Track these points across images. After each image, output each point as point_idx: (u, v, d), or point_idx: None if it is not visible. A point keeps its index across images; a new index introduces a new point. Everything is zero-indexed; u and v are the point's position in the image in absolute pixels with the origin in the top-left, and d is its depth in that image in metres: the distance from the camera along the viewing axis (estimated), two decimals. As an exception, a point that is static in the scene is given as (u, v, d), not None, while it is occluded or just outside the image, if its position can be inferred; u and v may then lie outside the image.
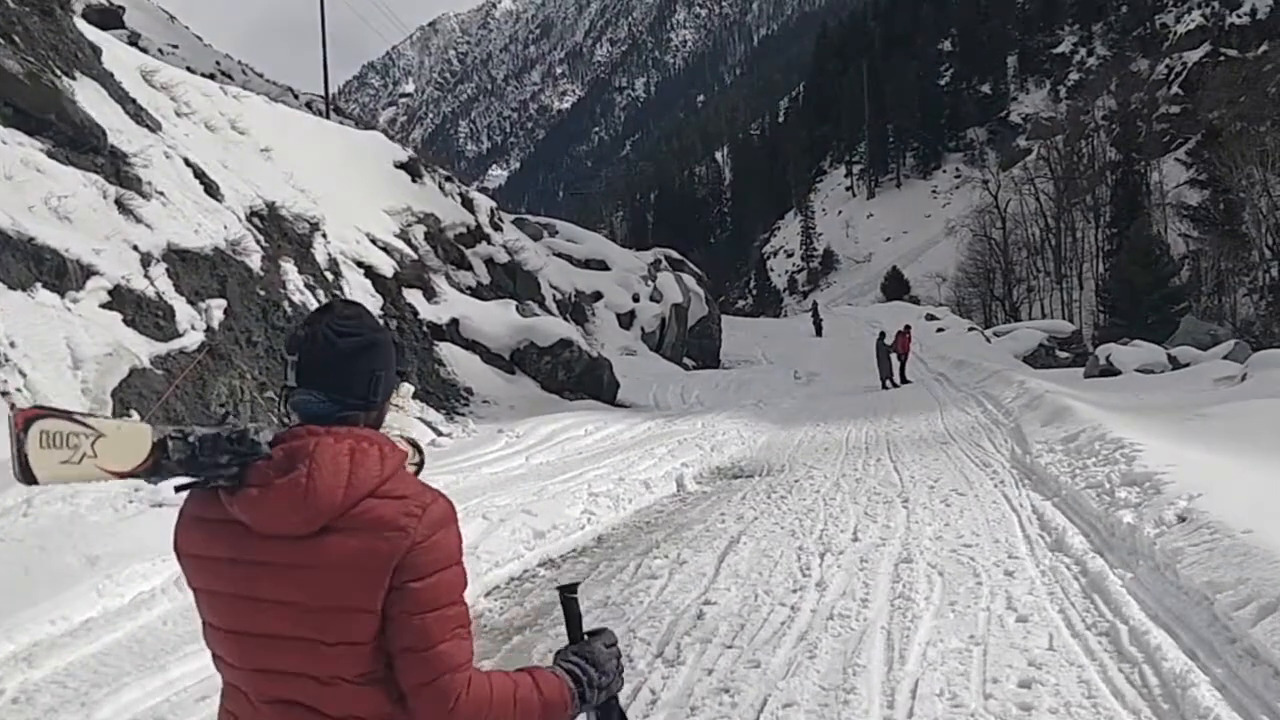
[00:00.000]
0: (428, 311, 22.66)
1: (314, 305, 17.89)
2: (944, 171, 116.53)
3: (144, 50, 30.86)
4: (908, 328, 31.94)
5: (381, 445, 2.00)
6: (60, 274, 12.20)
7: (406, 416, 16.96)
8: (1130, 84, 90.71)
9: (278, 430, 2.02)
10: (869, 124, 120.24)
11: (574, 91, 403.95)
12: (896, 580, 7.63)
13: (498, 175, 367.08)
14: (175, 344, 13.04)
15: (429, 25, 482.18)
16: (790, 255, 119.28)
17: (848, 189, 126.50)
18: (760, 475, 14.09)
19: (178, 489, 1.98)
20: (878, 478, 13.00)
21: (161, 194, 15.62)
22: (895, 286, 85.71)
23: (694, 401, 25.60)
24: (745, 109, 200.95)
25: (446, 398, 20.78)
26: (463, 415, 19.93)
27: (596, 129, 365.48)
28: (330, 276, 19.77)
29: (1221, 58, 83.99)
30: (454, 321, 23.25)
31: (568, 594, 2.29)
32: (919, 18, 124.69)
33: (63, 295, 12.08)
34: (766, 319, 72.26)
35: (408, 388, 18.14)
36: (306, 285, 18.34)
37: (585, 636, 2.22)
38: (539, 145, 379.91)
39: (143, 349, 12.45)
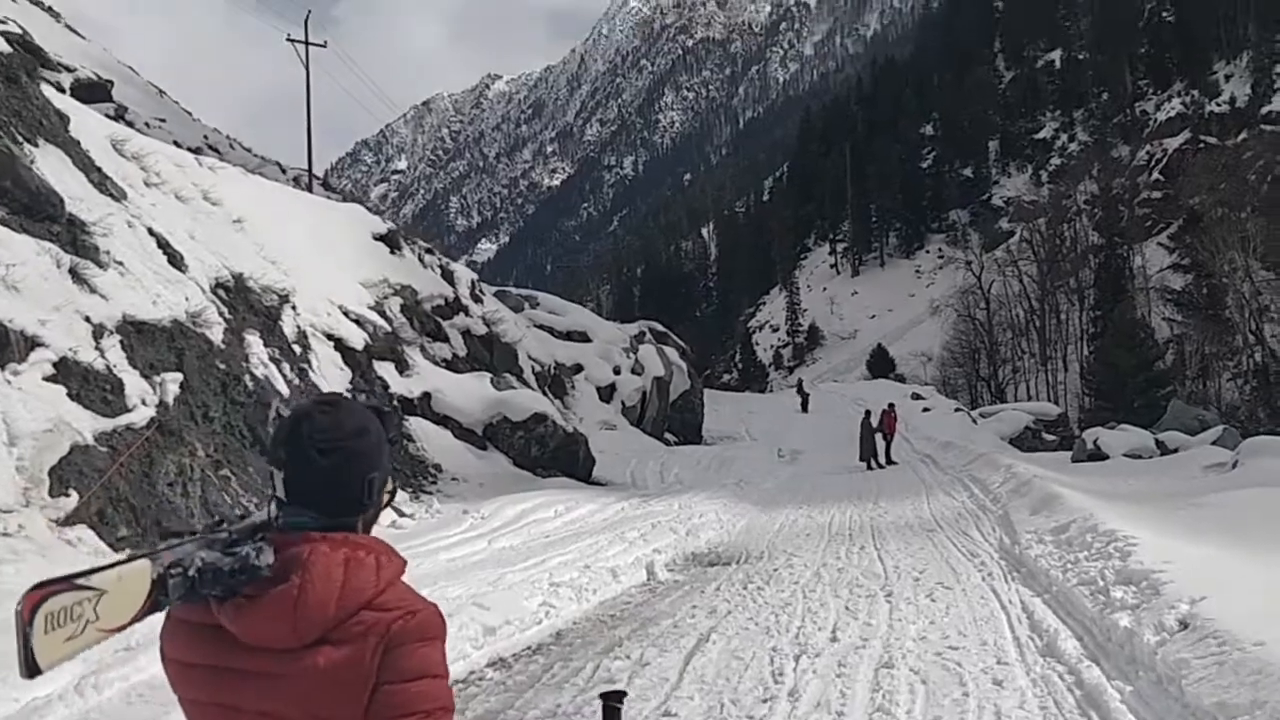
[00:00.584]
0: (399, 385, 22.07)
1: (278, 379, 17.36)
2: (927, 251, 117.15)
3: (130, 124, 30.53)
4: (892, 406, 31.43)
5: (378, 555, 1.94)
6: (2, 345, 11.61)
7: (370, 496, 16.27)
8: (1112, 169, 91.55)
9: (274, 538, 1.92)
10: (852, 203, 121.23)
11: (564, 169, 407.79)
12: (876, 689, 6.99)
13: (487, 249, 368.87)
14: (123, 419, 12.41)
15: (423, 104, 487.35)
16: (776, 330, 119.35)
17: (832, 266, 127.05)
18: (738, 563, 13.45)
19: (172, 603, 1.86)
20: (860, 567, 12.38)
21: (120, 264, 15.08)
22: (880, 364, 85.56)
23: (673, 480, 24.94)
24: (731, 187, 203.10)
25: (414, 475, 20.10)
26: (429, 494, 19.24)
27: (585, 205, 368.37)
28: (298, 349, 19.19)
29: (1201, 144, 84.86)
30: (426, 395, 22.65)
31: (612, 703, 2.21)
32: (901, 102, 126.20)
33: (2, 368, 11.47)
34: (751, 394, 71.77)
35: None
36: (272, 358, 17.76)
37: None
38: (528, 220, 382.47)
39: (87, 425, 11.82)
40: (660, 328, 46.34)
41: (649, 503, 18.90)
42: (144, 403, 13.09)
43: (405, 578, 2.01)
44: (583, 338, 38.52)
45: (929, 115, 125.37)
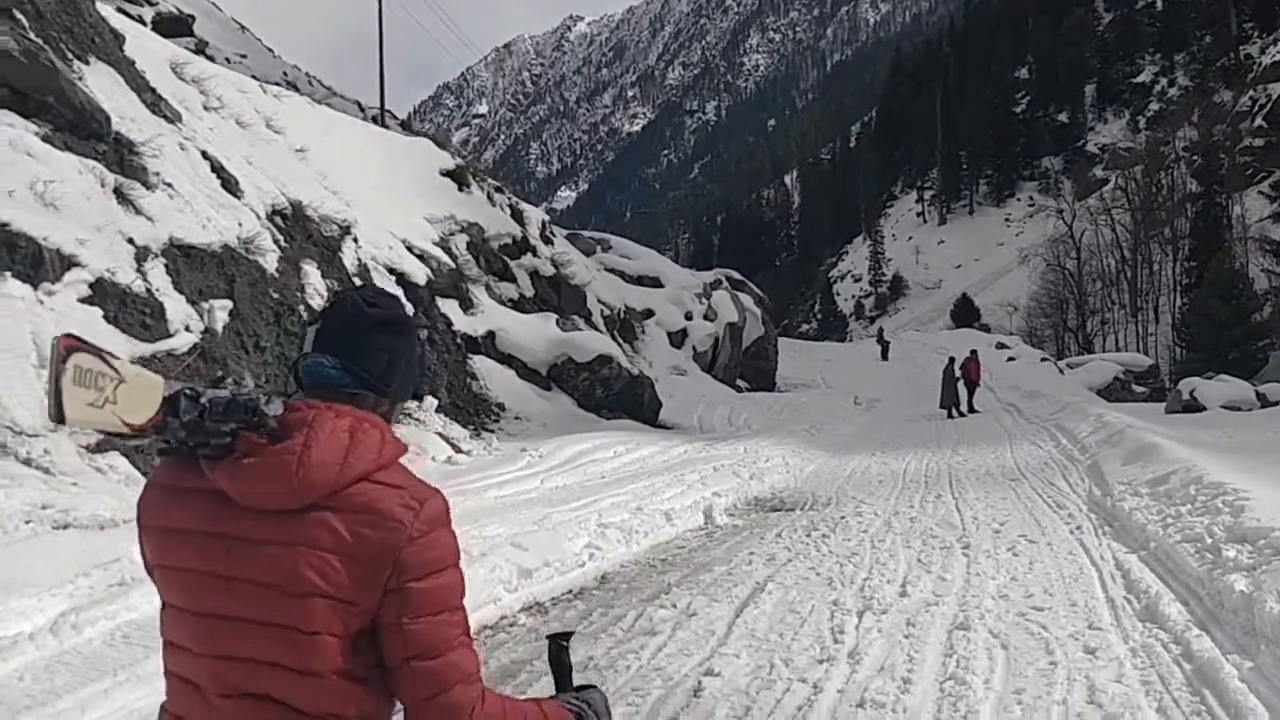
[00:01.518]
0: (463, 323, 21.49)
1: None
2: (1018, 199, 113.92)
3: (211, 59, 30.01)
4: (975, 353, 30.24)
5: (384, 431, 1.86)
6: (36, 264, 11.11)
7: (426, 431, 15.76)
8: (1212, 115, 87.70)
9: (284, 402, 1.85)
10: (942, 150, 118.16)
11: (645, 114, 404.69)
12: (949, 653, 6.18)
13: (566, 196, 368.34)
14: (163, 344, 11.90)
15: (504, 47, 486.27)
16: (858, 280, 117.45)
17: (919, 215, 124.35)
18: (802, 509, 12.66)
19: (161, 452, 1.82)
20: (936, 517, 11.52)
21: (169, 186, 14.56)
22: (965, 314, 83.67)
23: (741, 425, 24.13)
24: (816, 133, 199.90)
25: (476, 413, 19.56)
26: (490, 432, 18.70)
27: (666, 152, 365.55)
28: (359, 282, 18.61)
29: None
30: (490, 334, 22.05)
31: (559, 643, 2.19)
32: (995, 45, 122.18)
33: (35, 287, 10.97)
34: (830, 343, 70.46)
35: (431, 400, 16.93)
36: (330, 289, 17.20)
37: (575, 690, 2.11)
38: (608, 167, 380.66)
39: (123, 349, 11.29)
40: (738, 276, 45.24)
41: (713, 446, 18.12)
42: (187, 329, 12.57)
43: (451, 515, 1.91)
44: (654, 283, 37.67)
45: (1023, 58, 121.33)
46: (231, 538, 1.78)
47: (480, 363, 21.13)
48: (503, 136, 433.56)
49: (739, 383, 36.81)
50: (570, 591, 8.34)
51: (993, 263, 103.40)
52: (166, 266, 13.17)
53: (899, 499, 13.02)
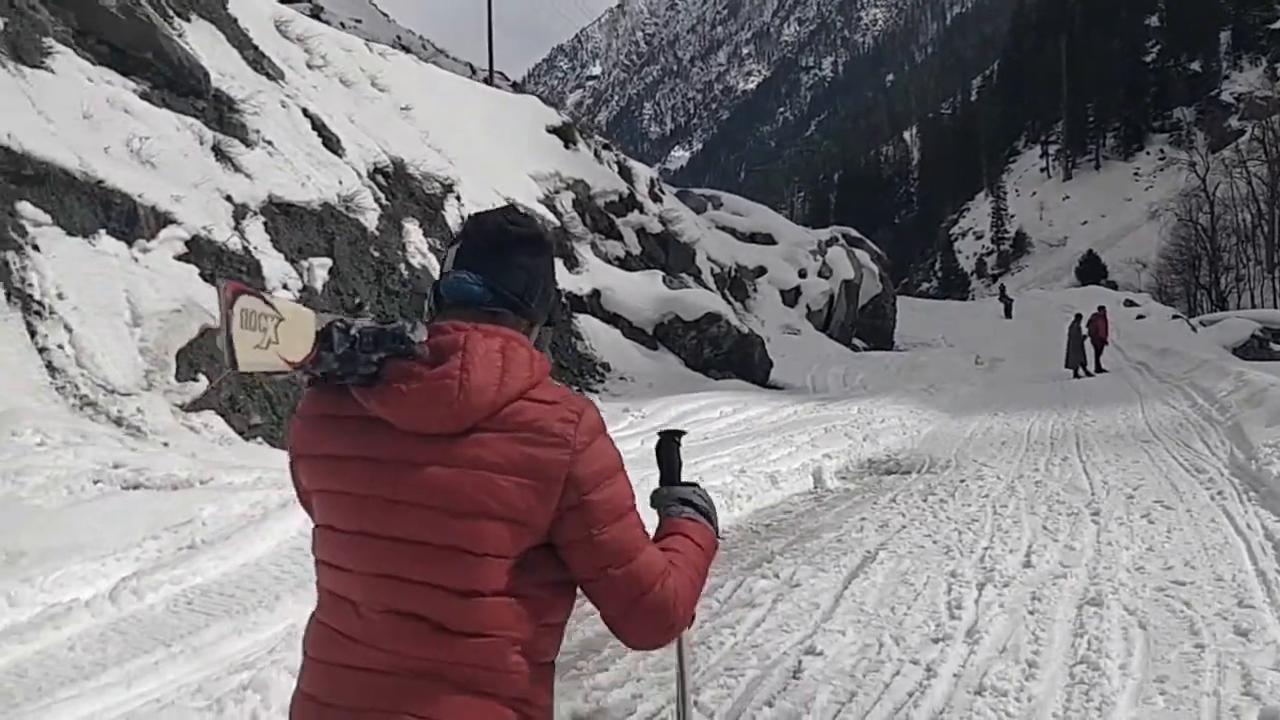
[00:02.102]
0: (568, 281, 21.12)
1: (437, 270, 16.51)
2: (1147, 153, 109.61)
3: (327, 23, 29.89)
4: (1103, 309, 28.91)
5: (530, 348, 1.86)
6: (130, 221, 11.02)
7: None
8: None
9: (428, 325, 1.82)
10: (1067, 103, 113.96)
11: (760, 72, 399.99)
12: (1079, 632, 5.56)
13: (680, 156, 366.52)
14: (259, 303, 11.70)
15: (617, 7, 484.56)
16: (979, 237, 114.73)
17: (1043, 170, 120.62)
18: (919, 472, 12.00)
19: (311, 382, 1.80)
20: (1062, 481, 10.77)
21: (269, 143, 14.43)
22: (1092, 271, 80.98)
23: (856, 385, 23.38)
24: (936, 87, 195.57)
25: (581, 373, 19.23)
26: (595, 393, 18.36)
27: (781, 109, 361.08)
28: (461, 240, 18.33)
29: None
30: (595, 293, 21.65)
31: (672, 439, 2.18)
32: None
33: (130, 244, 10.88)
34: (951, 302, 68.71)
35: (535, 360, 16.57)
36: (432, 248, 16.98)
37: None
38: (722, 126, 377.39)
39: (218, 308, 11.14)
40: (855, 233, 44.10)
41: (826, 406, 17.48)
42: (285, 286, 12.41)
43: None
44: (767, 240, 36.92)
45: (1153, 5, 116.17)
46: (396, 461, 1.77)
47: (585, 322, 20.77)
48: (616, 97, 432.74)
49: (855, 342, 35.97)
50: (667, 558, 7.87)
51: (1120, 218, 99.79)
52: (265, 224, 13.03)
53: (1022, 462, 12.28)
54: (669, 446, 2.20)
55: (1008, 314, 49.71)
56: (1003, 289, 58.48)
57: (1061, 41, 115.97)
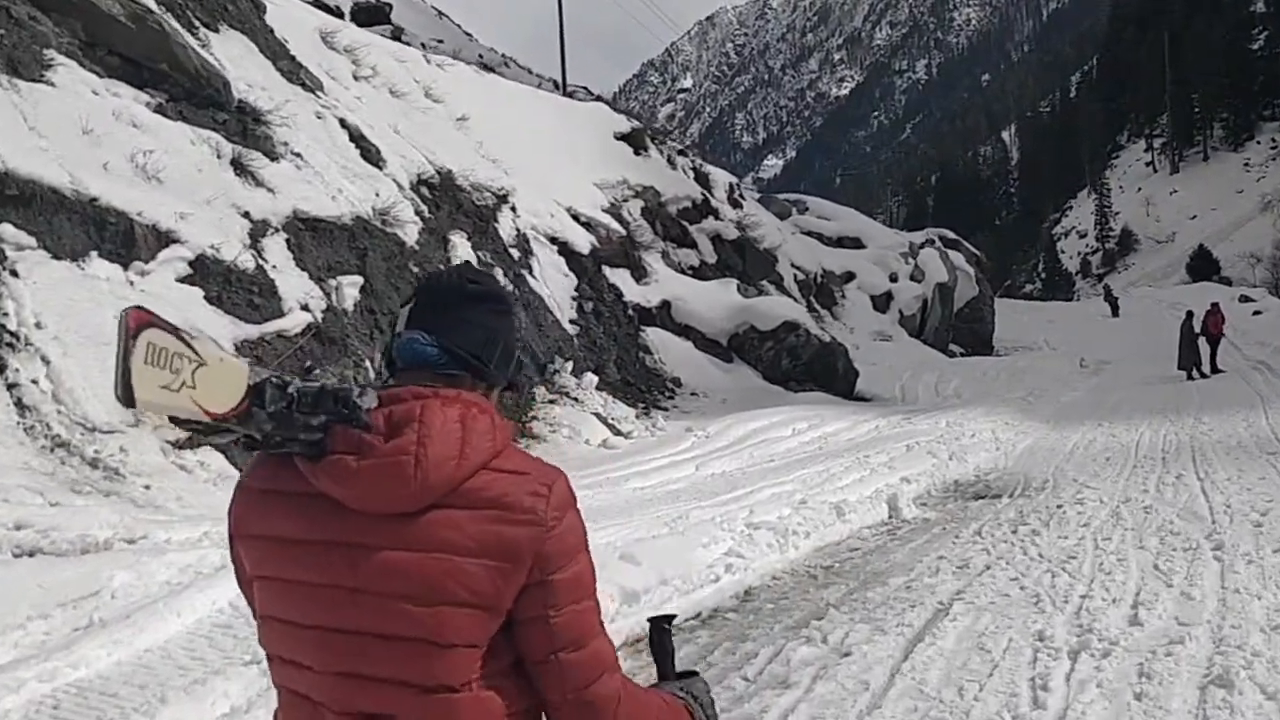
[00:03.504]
0: (634, 292, 20.01)
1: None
2: (1258, 142, 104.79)
3: (407, 44, 29.19)
4: (1216, 305, 26.83)
5: (492, 414, 1.71)
6: (127, 242, 10.15)
7: (582, 412, 14.33)
8: None
9: (381, 393, 1.69)
10: (1171, 94, 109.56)
11: (852, 77, 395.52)
12: (1202, 730, 4.20)
13: (773, 165, 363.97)
14: (271, 326, 10.79)
15: (706, 20, 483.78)
16: (1083, 236, 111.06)
17: (1148, 164, 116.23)
18: (1010, 496, 10.58)
19: (248, 447, 1.64)
20: (1176, 505, 9.30)
21: (298, 155, 13.55)
22: (1203, 267, 77.29)
23: (950, 394, 21.81)
24: (1034, 85, 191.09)
25: (648, 389, 18.07)
26: (663, 410, 17.21)
27: (875, 113, 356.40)
28: (516, 253, 17.36)
29: None
30: (665, 304, 20.51)
31: (661, 626, 1.98)
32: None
33: (126, 267, 10.00)
34: (1054, 303, 66.06)
35: (590, 378, 15.48)
36: (481, 262, 15.95)
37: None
38: (816, 133, 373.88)
39: (225, 331, 10.23)
40: (952, 235, 42.35)
41: (912, 420, 16.03)
42: (305, 308, 11.43)
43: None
44: (855, 244, 35.48)
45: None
46: (350, 545, 1.62)
47: (654, 335, 19.63)
48: (708, 109, 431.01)
49: (951, 347, 34.28)
50: (698, 615, 6.64)
51: (1232, 211, 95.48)
52: (288, 241, 12.14)
53: (1130, 481, 10.77)
54: (659, 635, 1.98)
55: (1114, 313, 47.30)
56: (1107, 289, 55.89)
57: (1163, 32, 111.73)
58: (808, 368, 20.38)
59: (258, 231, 11.73)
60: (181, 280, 10.33)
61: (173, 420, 1.62)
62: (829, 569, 7.90)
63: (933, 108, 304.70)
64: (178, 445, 9.17)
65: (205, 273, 10.52)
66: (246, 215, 11.72)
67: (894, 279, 33.69)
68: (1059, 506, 9.63)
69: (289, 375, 1.63)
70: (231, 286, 10.71)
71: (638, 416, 15.94)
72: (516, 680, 1.66)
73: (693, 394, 18.75)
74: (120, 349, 1.48)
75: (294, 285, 11.56)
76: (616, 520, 8.20)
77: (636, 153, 25.58)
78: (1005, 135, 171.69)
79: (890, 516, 9.71)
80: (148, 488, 8.32)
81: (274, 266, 11.55)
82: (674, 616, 2.10)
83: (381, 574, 1.60)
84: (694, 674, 1.96)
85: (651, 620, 2.02)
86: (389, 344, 1.80)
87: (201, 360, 1.54)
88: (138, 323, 1.48)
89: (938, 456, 12.31)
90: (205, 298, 10.36)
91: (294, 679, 1.71)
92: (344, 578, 1.62)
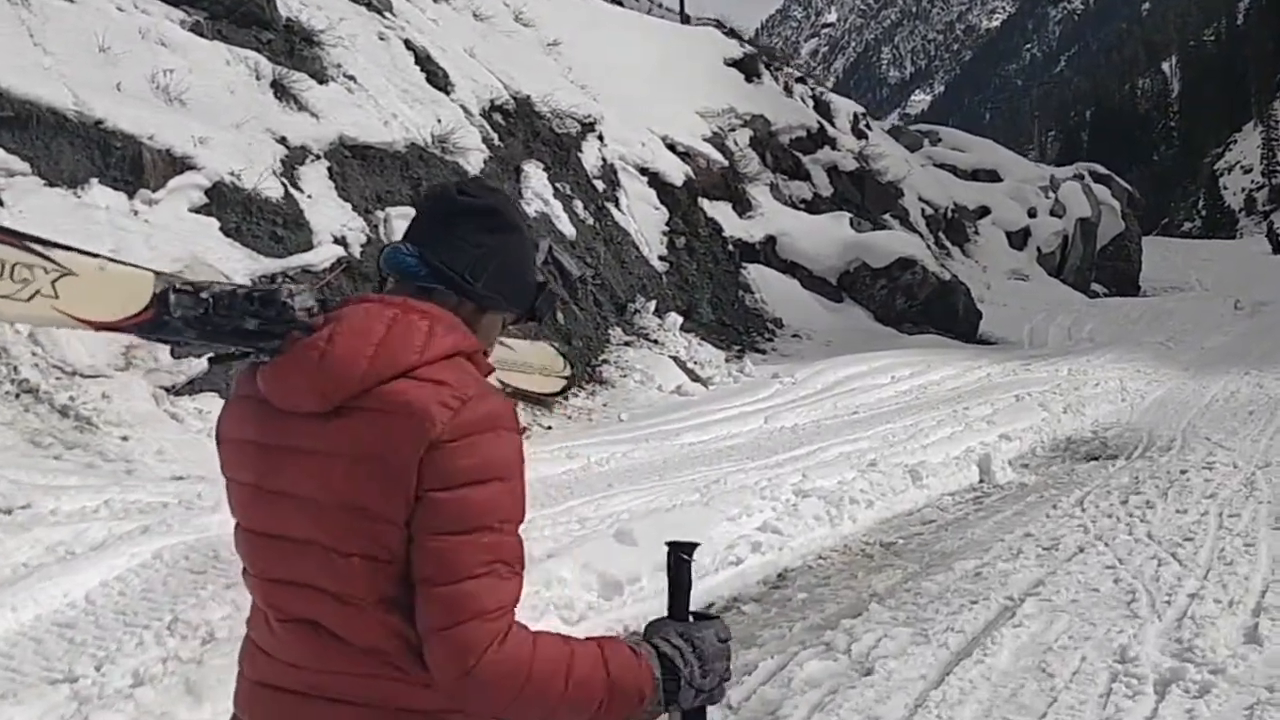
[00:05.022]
0: (736, 227, 18.67)
1: (561, 218, 14.49)
2: None
3: None
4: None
5: (436, 322, 1.56)
6: (135, 168, 9.28)
7: (659, 354, 13.18)
8: None
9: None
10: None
11: (1004, 8, 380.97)
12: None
13: (920, 100, 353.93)
14: (295, 260, 9.84)
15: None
16: (1248, 172, 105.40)
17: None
18: (1128, 457, 9.09)
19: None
20: (1329, 473, 7.70)
21: (350, 78, 12.61)
22: (1381, 202, 71.91)
23: (1083, 338, 19.92)
24: (1198, 14, 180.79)
25: (746, 330, 16.82)
26: (761, 352, 16.00)
27: (1028, 46, 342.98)
28: (600, 185, 16.18)
29: None
30: (770, 239, 19.14)
31: (680, 554, 1.69)
32: None
33: (131, 195, 9.13)
34: (1211, 241, 62.10)
35: (675, 318, 14.31)
36: (559, 194, 14.85)
37: (692, 617, 1.65)
38: (965, 67, 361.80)
39: (241, 266, 9.31)
40: (1103, 170, 39.68)
41: (1030, 366, 14.42)
42: (340, 240, 10.45)
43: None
44: (991, 176, 33.35)
45: None
46: (277, 447, 1.58)
47: (756, 272, 18.30)
48: (853, 44, 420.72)
49: (1094, 287, 32.03)
50: (708, 607, 5.42)
51: None
52: (330, 170, 11.22)
53: (1273, 442, 9.17)
54: (678, 565, 1.67)
55: (1276, 250, 43.86)
56: (1271, 226, 51.97)
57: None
58: (924, 308, 18.80)
59: (294, 158, 10.81)
60: (196, 210, 9.44)
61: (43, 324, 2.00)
62: (889, 547, 6.63)
63: (1088, 39, 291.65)
64: (173, 391, 8.33)
65: (223, 202, 9.62)
66: (283, 141, 10.80)
67: (1032, 214, 31.55)
68: (1183, 472, 8.13)
69: (212, 282, 1.66)
70: (252, 217, 9.79)
71: (727, 360, 14.71)
72: None
73: (795, 336, 17.42)
74: None
75: (330, 216, 10.61)
76: (640, 485, 7.02)
77: (748, 79, 24.09)
78: (1165, 67, 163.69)
79: (980, 481, 8.34)
80: (125, 439, 7.47)
81: (309, 196, 10.62)
82: (697, 545, 1.77)
83: (296, 476, 1.55)
84: (713, 617, 1.68)
85: (671, 545, 1.73)
86: (378, 255, 1.74)
87: (65, 270, 1.56)
88: None
89: (1050, 410, 10.79)
90: (221, 229, 9.45)
91: (250, 584, 1.67)
92: (267, 479, 1.58)
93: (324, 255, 10.10)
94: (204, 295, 1.57)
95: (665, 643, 1.59)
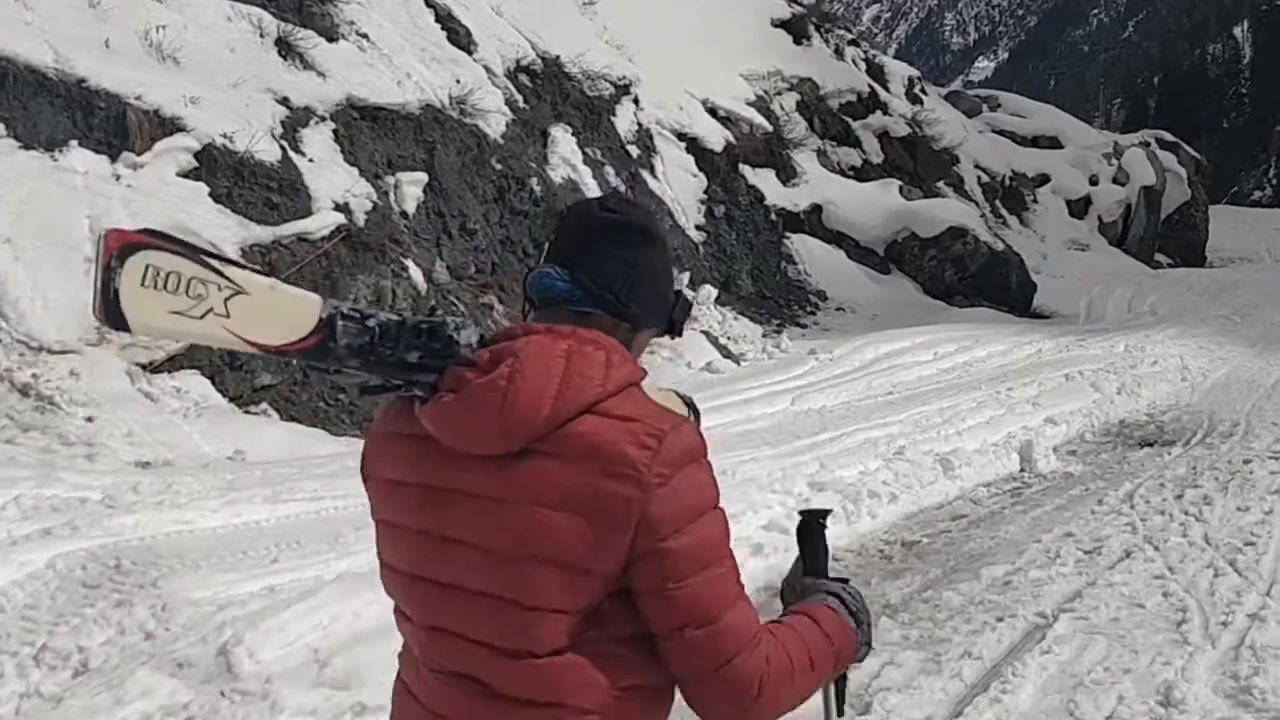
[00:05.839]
0: (779, 195, 17.88)
1: (590, 185, 13.87)
2: None
3: None
4: None
5: (611, 352, 1.52)
6: (119, 130, 8.76)
7: (691, 329, 12.47)
8: None
9: (494, 334, 1.58)
10: None
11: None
12: None
13: (984, 67, 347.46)
14: (290, 228, 9.26)
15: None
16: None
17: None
18: (1186, 444, 8.32)
19: (363, 391, 1.59)
20: None
21: (364, 36, 12.03)
22: None
23: (1145, 311, 18.93)
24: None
25: (786, 303, 16.10)
26: (802, 326, 15.32)
27: (1095, 11, 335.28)
28: (635, 150, 15.49)
29: None
30: (815, 208, 18.32)
31: (817, 521, 1.78)
32: None
33: (114, 158, 8.61)
34: (1283, 211, 60.13)
35: (709, 290, 13.64)
36: (589, 159, 14.20)
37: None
38: (1030, 33, 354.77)
39: (231, 234, 8.78)
40: (1169, 137, 38.24)
41: (1085, 342, 13.54)
42: (343, 207, 9.85)
43: None
44: (1052, 143, 32.15)
45: None
46: (449, 490, 1.52)
47: (800, 242, 17.51)
48: (915, 9, 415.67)
49: (1158, 257, 30.79)
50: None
51: None
52: (336, 132, 10.65)
53: (1350, 428, 8.33)
54: (813, 530, 1.75)
55: (1354, 220, 42.22)
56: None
57: None
58: (975, 280, 17.92)
59: (297, 120, 10.24)
60: (184, 174, 8.90)
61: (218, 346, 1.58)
62: (910, 547, 5.95)
63: (1158, 3, 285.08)
64: (150, 368, 7.81)
65: (213, 166, 9.06)
66: (284, 101, 10.24)
67: (1094, 182, 30.36)
68: (1246, 462, 7.38)
69: (373, 310, 1.54)
70: (245, 182, 9.22)
71: (764, 335, 14.01)
72: (629, 653, 1.49)
73: (839, 309, 16.65)
74: (98, 271, 1.39)
75: (333, 181, 10.02)
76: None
77: (797, 41, 23.12)
78: (1237, 32, 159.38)
79: (1021, 470, 7.62)
80: (90, 420, 6.95)
81: (311, 160, 10.04)
82: (829, 511, 1.83)
83: (469, 522, 1.50)
84: (844, 580, 1.70)
85: (804, 513, 1.79)
86: (525, 279, 1.68)
87: (239, 289, 1.46)
88: (120, 244, 1.40)
89: (1102, 390, 10.00)
90: (211, 194, 8.89)
91: (404, 628, 1.64)
92: (435, 524, 1.53)
93: (322, 223, 9.50)
94: (370, 323, 1.52)
95: (846, 593, 1.63)
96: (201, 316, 1.43)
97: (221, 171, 9.13)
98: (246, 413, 8.16)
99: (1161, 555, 5.39)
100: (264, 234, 9.07)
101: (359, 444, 5.95)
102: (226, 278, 1.44)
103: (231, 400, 8.18)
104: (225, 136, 9.23)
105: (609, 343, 1.53)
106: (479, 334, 1.54)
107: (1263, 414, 9.18)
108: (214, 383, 8.11)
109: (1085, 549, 5.61)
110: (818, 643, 1.54)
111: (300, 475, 6.20)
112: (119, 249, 1.39)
